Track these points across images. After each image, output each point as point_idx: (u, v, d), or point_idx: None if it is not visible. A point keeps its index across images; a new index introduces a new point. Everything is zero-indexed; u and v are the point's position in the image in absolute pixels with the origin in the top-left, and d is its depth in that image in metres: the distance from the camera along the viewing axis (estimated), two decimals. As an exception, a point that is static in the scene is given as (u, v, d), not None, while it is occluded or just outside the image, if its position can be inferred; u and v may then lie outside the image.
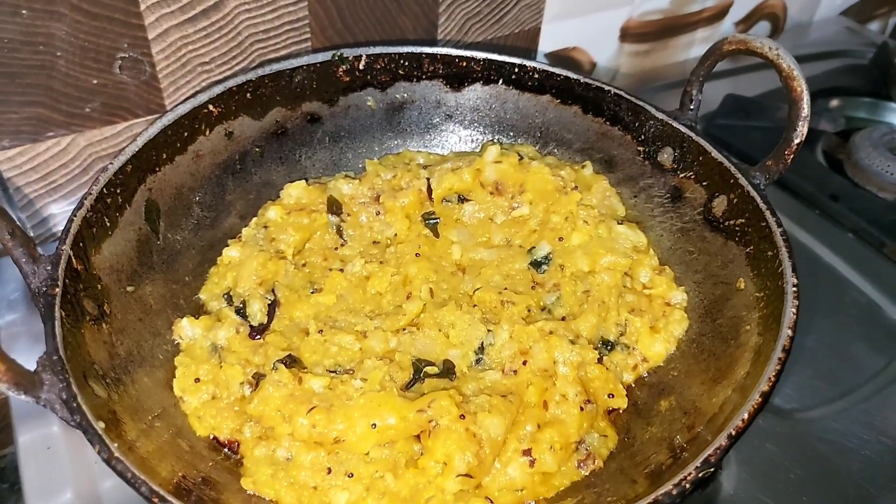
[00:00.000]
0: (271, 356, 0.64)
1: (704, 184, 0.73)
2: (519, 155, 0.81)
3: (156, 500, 0.45)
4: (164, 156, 0.70)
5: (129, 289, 0.64)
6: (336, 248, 0.76)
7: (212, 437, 0.61)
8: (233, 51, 0.82)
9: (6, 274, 0.82)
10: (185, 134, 0.72)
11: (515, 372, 0.64)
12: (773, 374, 0.51)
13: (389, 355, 0.65)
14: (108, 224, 0.63)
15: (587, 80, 0.81)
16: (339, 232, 0.77)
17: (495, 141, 0.87)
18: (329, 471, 0.57)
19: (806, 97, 0.64)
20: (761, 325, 0.60)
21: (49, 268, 0.55)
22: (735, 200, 0.69)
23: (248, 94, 0.77)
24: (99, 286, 0.60)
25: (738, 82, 1.21)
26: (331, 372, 0.64)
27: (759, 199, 0.66)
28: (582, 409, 0.61)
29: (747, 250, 0.66)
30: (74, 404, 0.47)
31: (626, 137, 0.80)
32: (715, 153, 0.71)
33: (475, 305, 0.70)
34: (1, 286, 0.81)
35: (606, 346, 0.68)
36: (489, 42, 1.04)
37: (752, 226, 0.66)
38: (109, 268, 0.62)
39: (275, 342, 0.66)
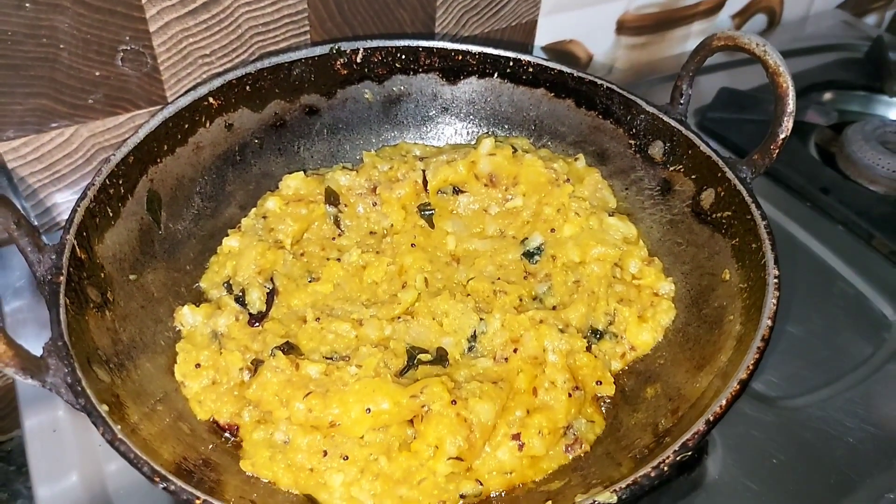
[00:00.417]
0: (269, 343, 0.66)
1: (693, 177, 0.75)
2: (513, 147, 0.82)
3: (157, 479, 0.47)
4: (166, 147, 0.72)
5: (132, 277, 0.66)
6: (333, 239, 0.78)
7: (212, 420, 0.63)
8: (233, 43, 0.84)
9: (12, 262, 0.84)
10: (186, 126, 0.74)
11: (506, 359, 0.66)
12: (752, 362, 0.53)
13: (384, 343, 0.67)
14: (111, 214, 0.65)
15: (580, 75, 0.82)
16: (337, 222, 0.78)
17: (490, 133, 0.89)
18: (325, 453, 0.59)
19: (791, 93, 0.65)
20: (744, 315, 0.61)
21: (54, 257, 0.57)
22: (722, 193, 0.70)
23: (248, 87, 0.78)
24: (102, 274, 0.62)
25: (732, 75, 1.22)
26: (327, 358, 0.66)
27: (745, 193, 0.67)
28: (570, 395, 0.63)
29: (733, 242, 0.68)
30: (79, 388, 0.49)
31: (617, 131, 0.82)
32: (703, 147, 0.73)
33: (468, 295, 0.72)
34: (7, 274, 0.83)
35: (595, 334, 0.70)
36: (486, 35, 1.05)
37: (738, 218, 0.68)
38: (112, 256, 0.64)
39: (273, 329, 0.68)
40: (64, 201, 0.85)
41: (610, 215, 0.78)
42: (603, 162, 0.84)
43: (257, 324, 0.69)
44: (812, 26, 1.46)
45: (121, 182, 0.66)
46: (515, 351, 0.66)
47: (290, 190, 0.79)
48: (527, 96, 0.86)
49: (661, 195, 0.78)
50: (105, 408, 0.50)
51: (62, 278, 0.56)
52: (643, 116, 0.79)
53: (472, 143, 0.89)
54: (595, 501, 0.48)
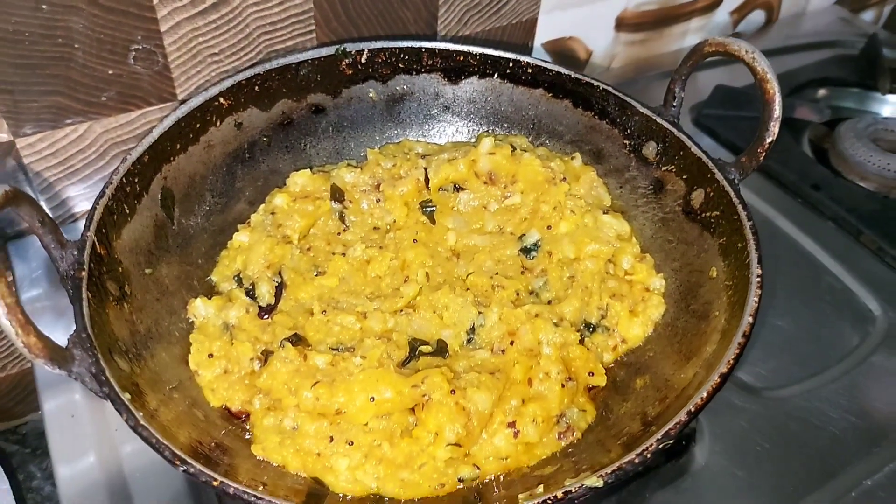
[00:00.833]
0: (278, 334, 0.69)
1: (684, 177, 0.77)
2: (512, 146, 0.85)
3: (178, 463, 0.51)
4: (178, 146, 0.75)
5: (147, 271, 0.69)
6: (339, 234, 0.81)
7: (224, 407, 0.66)
8: (241, 42, 0.87)
9: (28, 253, 0.88)
10: (198, 125, 0.77)
11: (503, 351, 0.69)
12: (733, 357, 0.56)
13: (387, 335, 0.71)
14: (128, 211, 0.68)
15: (577, 76, 0.85)
16: (342, 218, 0.82)
17: (490, 132, 0.92)
18: (331, 439, 0.63)
19: (778, 99, 0.68)
20: (728, 311, 0.65)
21: (76, 253, 0.60)
22: (711, 194, 0.73)
23: (257, 87, 0.81)
24: (120, 269, 0.66)
25: (727, 72, 1.25)
26: (333, 349, 0.69)
27: (732, 194, 0.70)
28: (563, 385, 0.67)
29: (720, 241, 0.71)
30: (103, 377, 0.53)
31: (613, 131, 0.85)
32: (694, 148, 0.76)
33: (468, 289, 0.75)
34: (25, 264, 0.87)
35: (588, 328, 0.74)
36: (487, 32, 1.08)
37: (725, 218, 0.71)
38: (129, 252, 0.67)
39: (281, 321, 0.71)
40: (77, 195, 0.88)
41: (604, 213, 0.81)
42: (599, 161, 0.86)
43: (266, 316, 0.72)
44: (809, 22, 1.48)
45: (136, 180, 0.70)
46: (512, 343, 0.69)
47: (297, 187, 0.82)
48: (526, 96, 0.89)
49: (653, 194, 0.81)
50: (127, 395, 0.53)
51: (84, 273, 0.59)
52: (637, 118, 0.82)
53: (473, 141, 0.92)
54: (583, 486, 0.51)
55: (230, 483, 0.51)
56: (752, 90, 1.20)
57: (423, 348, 0.70)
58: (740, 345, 0.57)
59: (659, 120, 0.79)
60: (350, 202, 0.83)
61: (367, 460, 0.62)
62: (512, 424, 0.64)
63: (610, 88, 0.83)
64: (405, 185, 0.82)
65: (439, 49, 0.87)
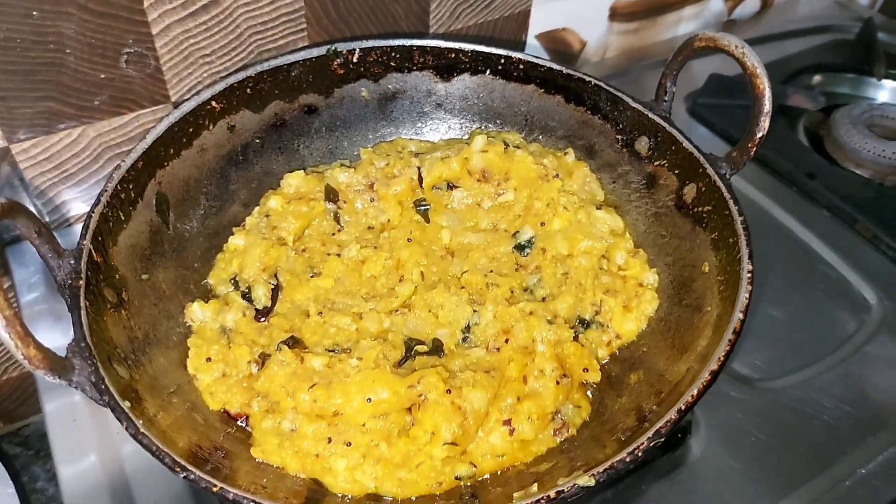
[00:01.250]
0: (275, 337, 0.70)
1: (676, 172, 0.78)
2: (505, 143, 0.85)
3: (178, 469, 0.52)
4: (172, 151, 0.75)
5: (144, 276, 0.70)
6: (333, 234, 0.81)
7: (223, 410, 0.67)
8: (232, 43, 0.87)
9: (25, 258, 0.88)
10: (191, 129, 0.77)
11: (498, 349, 0.70)
12: (723, 353, 0.57)
13: (383, 335, 0.71)
14: (123, 218, 0.69)
15: (569, 71, 0.85)
16: (336, 218, 0.82)
17: (483, 129, 0.92)
18: (329, 440, 0.63)
19: (768, 94, 0.68)
20: (720, 306, 0.65)
21: (72, 262, 0.61)
22: (703, 189, 0.74)
23: (248, 90, 0.81)
24: (117, 276, 0.66)
25: (723, 60, 1.24)
26: (329, 351, 0.70)
27: (724, 189, 0.71)
28: (558, 383, 0.67)
29: (712, 236, 0.71)
30: (102, 386, 0.54)
31: (605, 126, 0.85)
32: (686, 143, 0.76)
33: (462, 287, 0.76)
34: (23, 269, 0.88)
35: (583, 324, 0.74)
36: (480, 25, 1.08)
37: (717, 213, 0.71)
38: (126, 258, 0.68)
39: (278, 324, 0.72)
40: (73, 198, 0.89)
41: (598, 208, 0.81)
42: (591, 156, 0.87)
43: (263, 319, 0.73)
44: (805, 7, 1.48)
45: (131, 187, 0.70)
46: (507, 341, 0.70)
47: (292, 188, 0.82)
48: (518, 92, 0.89)
49: (646, 189, 0.82)
50: (127, 403, 0.54)
51: (81, 282, 0.60)
52: (629, 113, 0.82)
53: (466, 137, 0.92)
54: (575, 485, 0.52)
55: (229, 489, 0.52)
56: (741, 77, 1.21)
57: (419, 348, 0.70)
58: (731, 341, 0.58)
59: (651, 115, 0.79)
60: (344, 202, 0.83)
61: (364, 460, 0.63)
62: (507, 422, 0.65)
63: (602, 83, 0.83)
64: (399, 185, 0.83)
65: (431, 47, 0.87)
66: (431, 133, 0.93)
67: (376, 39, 0.86)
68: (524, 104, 0.90)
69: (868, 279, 0.91)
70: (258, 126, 0.84)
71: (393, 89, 0.90)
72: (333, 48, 0.85)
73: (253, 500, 0.52)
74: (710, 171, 0.73)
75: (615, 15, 1.25)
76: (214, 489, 0.51)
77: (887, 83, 1.25)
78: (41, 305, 0.86)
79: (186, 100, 0.77)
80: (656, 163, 0.80)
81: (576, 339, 0.72)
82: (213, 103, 0.78)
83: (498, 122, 0.91)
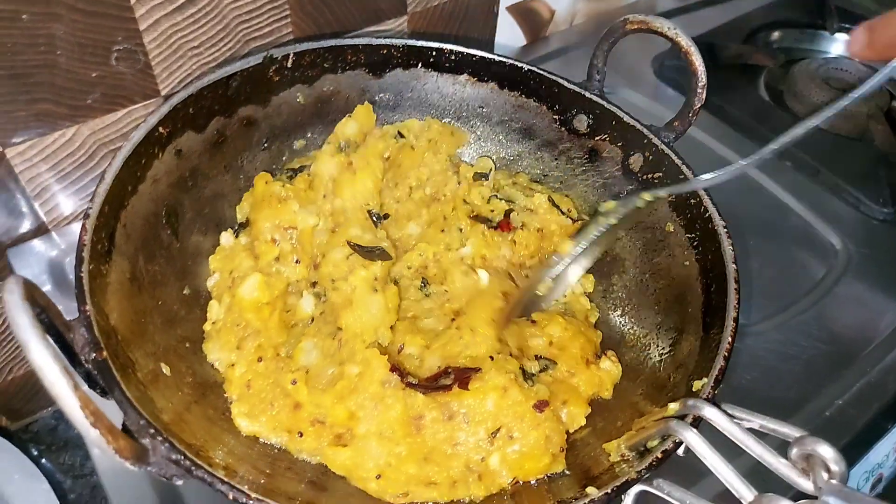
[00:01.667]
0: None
1: (619, 144, 0.85)
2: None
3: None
4: (129, 188, 0.67)
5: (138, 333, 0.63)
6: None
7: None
8: (220, 34, 0.88)
9: (30, 259, 0.87)
10: (143, 161, 0.69)
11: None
12: (735, 303, 0.66)
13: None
14: (105, 272, 0.61)
15: (501, 59, 0.88)
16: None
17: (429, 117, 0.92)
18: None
19: (702, 69, 0.77)
20: (699, 262, 0.73)
21: (83, 331, 0.54)
22: (650, 157, 0.82)
23: (191, 109, 0.74)
24: (118, 338, 0.59)
25: (689, 20, 1.31)
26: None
27: (673, 155, 0.79)
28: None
29: (670, 199, 0.80)
30: (187, 462, 0.49)
31: (541, 108, 0.90)
32: (626, 117, 0.84)
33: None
34: (27, 269, 0.85)
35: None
36: (455, 1, 1.10)
37: (670, 177, 0.79)
38: (118, 316, 0.61)
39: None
40: (69, 197, 0.89)
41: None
42: (530, 137, 0.92)
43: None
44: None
45: (103, 235, 0.62)
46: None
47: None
48: (450, 82, 0.91)
49: (590, 162, 0.88)
50: (222, 472, 0.50)
51: (105, 353, 0.53)
52: (565, 94, 0.87)
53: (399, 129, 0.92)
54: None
55: None
56: (713, 38, 1.23)
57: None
58: (736, 290, 0.66)
59: (587, 94, 0.86)
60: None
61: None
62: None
63: (534, 68, 0.88)
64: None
65: (363, 45, 0.86)
66: (366, 131, 0.92)
67: (308, 42, 0.83)
68: (457, 93, 0.92)
69: (833, 226, 0.99)
70: (202, 147, 0.77)
71: (328, 91, 0.87)
72: (269, 54, 0.80)
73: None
74: (656, 140, 0.81)
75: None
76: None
77: (840, 36, 1.32)
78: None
79: (135, 128, 0.69)
80: (597, 138, 0.87)
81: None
82: (161, 129, 0.71)
83: (432, 112, 0.93)
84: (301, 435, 0.65)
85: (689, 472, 0.56)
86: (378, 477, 0.62)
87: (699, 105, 0.80)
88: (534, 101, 0.90)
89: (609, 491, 0.54)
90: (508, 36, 1.25)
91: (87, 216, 0.61)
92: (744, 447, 0.51)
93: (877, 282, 0.94)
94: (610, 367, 0.74)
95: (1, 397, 1.03)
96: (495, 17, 1.21)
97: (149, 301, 0.67)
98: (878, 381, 0.83)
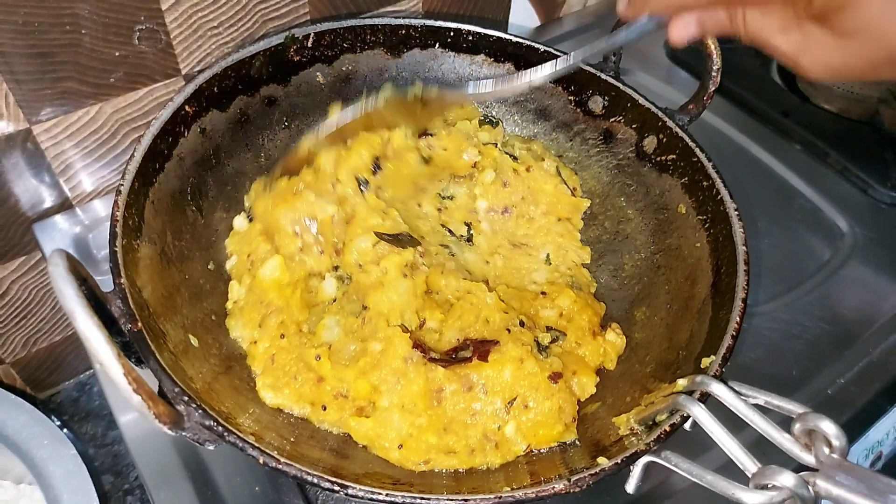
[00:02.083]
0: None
1: (634, 126, 0.86)
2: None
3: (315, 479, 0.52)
4: (157, 166, 0.69)
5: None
6: None
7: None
8: (238, 13, 0.89)
9: (55, 234, 0.90)
10: (170, 139, 0.71)
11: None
12: (744, 283, 0.68)
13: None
14: (136, 247, 0.63)
15: (518, 40, 0.90)
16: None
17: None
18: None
19: (717, 52, 0.79)
20: (710, 243, 0.75)
21: (119, 303, 0.56)
22: (664, 139, 0.83)
23: (215, 88, 0.76)
24: (148, 311, 0.61)
25: None
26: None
27: (687, 138, 0.80)
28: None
29: (682, 181, 0.81)
30: (219, 428, 0.52)
31: (557, 89, 0.91)
32: (641, 100, 0.85)
33: None
34: (52, 243, 0.88)
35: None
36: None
37: (683, 160, 0.81)
38: (151, 291, 0.63)
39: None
40: (93, 174, 0.92)
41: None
42: (545, 118, 0.93)
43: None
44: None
45: (133, 212, 0.64)
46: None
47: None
48: (467, 63, 0.92)
49: (604, 143, 0.90)
50: (252, 438, 0.52)
51: (140, 325, 0.56)
52: (580, 75, 0.88)
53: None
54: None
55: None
56: None
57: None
58: (745, 271, 0.68)
59: (602, 76, 0.87)
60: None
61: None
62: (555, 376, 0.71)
63: (551, 49, 0.89)
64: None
65: (381, 25, 0.87)
66: (384, 110, 0.93)
67: (330, 22, 0.84)
68: (473, 74, 0.93)
69: (840, 209, 1.01)
70: (225, 125, 0.79)
71: (346, 71, 0.89)
72: (291, 34, 0.82)
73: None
74: (670, 123, 0.82)
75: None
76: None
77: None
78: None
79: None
80: (612, 119, 0.88)
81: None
82: (187, 107, 0.73)
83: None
84: (325, 408, 0.67)
85: (695, 445, 0.58)
86: (400, 447, 0.64)
87: (713, 88, 0.81)
88: (550, 82, 0.91)
89: (619, 461, 0.57)
90: (522, 17, 1.25)
91: (118, 192, 0.63)
92: (749, 422, 0.53)
93: (882, 265, 0.96)
94: (615, 339, 0.77)
95: (25, 369, 1.07)
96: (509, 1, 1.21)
97: (177, 275, 0.69)
98: (880, 361, 0.86)
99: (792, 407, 0.55)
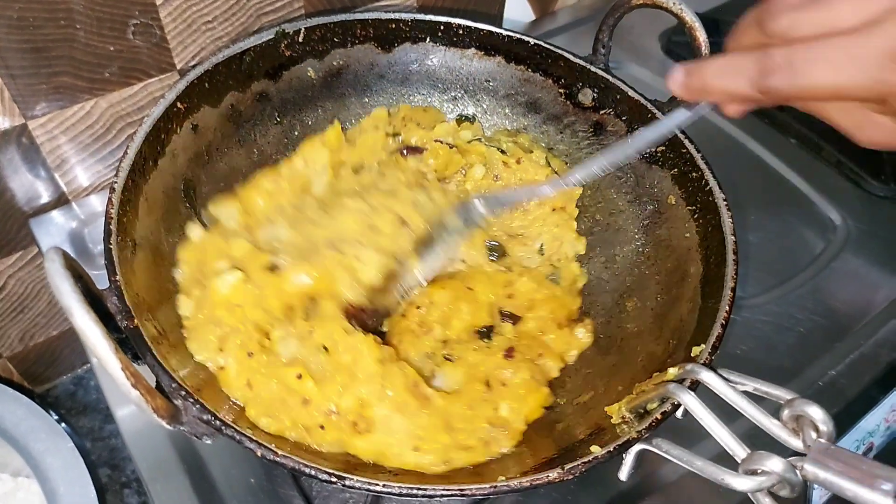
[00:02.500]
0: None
1: (624, 118, 0.87)
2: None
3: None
4: (151, 163, 0.70)
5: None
6: None
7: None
8: (232, 8, 0.90)
9: (51, 228, 0.90)
10: (163, 136, 0.71)
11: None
12: (733, 273, 0.68)
13: None
14: (131, 244, 0.64)
15: (508, 33, 0.90)
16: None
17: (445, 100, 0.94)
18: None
19: (705, 45, 0.79)
20: (699, 233, 0.76)
21: (115, 300, 0.57)
22: (654, 131, 0.84)
23: (206, 84, 0.76)
24: (145, 306, 0.62)
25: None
26: None
27: (676, 131, 0.81)
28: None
29: (672, 172, 0.82)
30: (217, 421, 0.52)
31: (547, 82, 0.91)
32: (631, 92, 0.85)
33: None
34: (49, 238, 0.89)
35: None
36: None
37: (673, 152, 0.81)
38: (145, 287, 0.64)
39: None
40: (88, 168, 0.93)
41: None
42: (536, 111, 0.93)
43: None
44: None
45: (128, 209, 0.65)
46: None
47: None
48: (458, 56, 0.92)
49: (594, 135, 0.90)
50: (248, 430, 0.53)
51: (136, 322, 0.56)
52: (571, 68, 0.89)
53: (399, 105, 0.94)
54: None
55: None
56: (720, 14, 1.21)
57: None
58: (734, 261, 0.69)
59: (592, 68, 0.88)
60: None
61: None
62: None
63: (541, 43, 0.89)
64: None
65: (371, 19, 0.87)
66: (376, 105, 0.93)
67: (319, 17, 0.85)
68: (464, 67, 0.93)
69: (833, 201, 1.02)
70: (217, 121, 0.79)
71: (337, 65, 0.89)
72: (281, 29, 0.82)
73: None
74: (660, 115, 0.83)
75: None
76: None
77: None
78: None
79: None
80: (602, 112, 0.89)
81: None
82: (179, 104, 0.73)
83: (440, 86, 0.94)
84: (323, 427, 0.63)
85: (690, 437, 0.59)
86: (416, 449, 0.63)
87: (702, 80, 0.81)
88: (540, 75, 0.92)
89: (611, 449, 0.58)
90: (517, 11, 1.26)
91: (112, 190, 0.63)
92: (738, 408, 0.54)
93: (874, 257, 0.97)
94: (582, 336, 0.79)
95: (22, 363, 1.07)
96: (504, -6, 1.22)
97: (171, 271, 0.70)
98: (871, 353, 0.86)
99: (780, 393, 0.56)
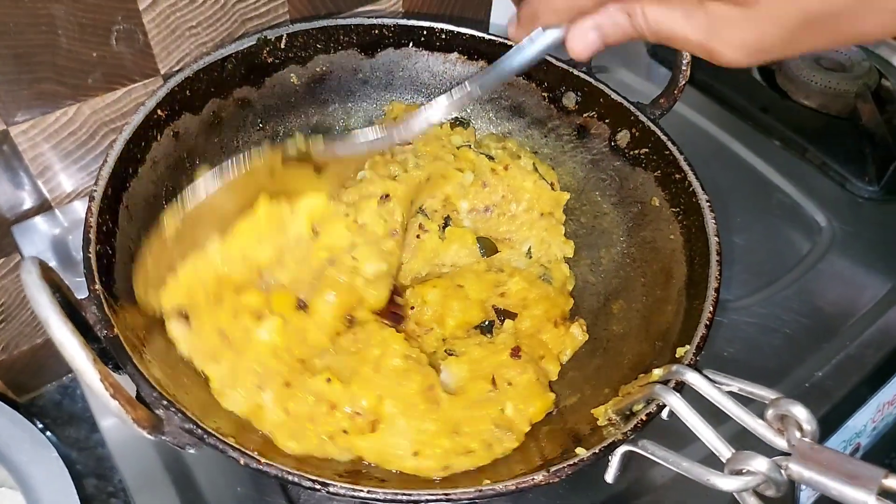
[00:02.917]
0: None
1: (606, 121, 0.87)
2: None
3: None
4: (130, 170, 0.69)
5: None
6: None
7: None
8: (217, 13, 0.89)
9: (34, 236, 0.89)
10: (143, 144, 0.71)
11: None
12: (717, 273, 0.69)
13: None
14: (111, 252, 0.63)
15: (490, 38, 0.90)
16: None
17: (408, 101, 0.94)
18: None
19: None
20: (683, 235, 0.76)
21: (94, 309, 0.56)
22: (637, 133, 0.84)
23: (188, 91, 0.76)
24: (127, 317, 0.61)
25: None
26: None
27: (658, 132, 0.81)
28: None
29: (655, 174, 0.82)
30: (199, 430, 0.52)
31: (530, 85, 0.92)
32: (613, 95, 0.86)
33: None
34: (32, 245, 0.88)
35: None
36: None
37: (656, 153, 0.82)
38: (126, 295, 0.63)
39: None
40: (72, 175, 0.91)
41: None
42: (520, 115, 0.94)
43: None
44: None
45: (108, 216, 0.64)
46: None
47: None
48: (440, 61, 0.92)
49: (578, 139, 0.90)
50: (232, 439, 0.53)
51: (116, 331, 0.55)
52: (553, 72, 0.89)
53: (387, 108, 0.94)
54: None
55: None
56: None
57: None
58: (718, 261, 0.69)
59: (575, 72, 0.88)
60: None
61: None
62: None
63: (524, 46, 0.89)
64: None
65: (354, 25, 0.87)
66: (360, 110, 0.93)
67: (301, 23, 0.84)
68: (447, 72, 0.93)
69: (818, 203, 1.02)
70: (199, 128, 0.79)
71: (320, 71, 0.89)
72: (263, 36, 0.82)
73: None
74: (642, 117, 0.83)
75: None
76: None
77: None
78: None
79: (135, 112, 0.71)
80: (585, 115, 0.89)
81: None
82: (159, 111, 0.73)
83: (423, 91, 0.94)
84: (346, 432, 0.64)
85: (677, 440, 0.59)
86: (415, 454, 0.63)
87: (684, 82, 0.82)
88: (523, 78, 0.92)
89: (597, 451, 0.58)
90: (504, 16, 1.26)
91: (92, 198, 0.63)
92: (723, 408, 0.54)
93: (860, 259, 0.97)
94: (577, 334, 0.79)
95: (7, 373, 1.06)
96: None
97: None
98: (858, 354, 0.87)
99: (764, 393, 0.56)
